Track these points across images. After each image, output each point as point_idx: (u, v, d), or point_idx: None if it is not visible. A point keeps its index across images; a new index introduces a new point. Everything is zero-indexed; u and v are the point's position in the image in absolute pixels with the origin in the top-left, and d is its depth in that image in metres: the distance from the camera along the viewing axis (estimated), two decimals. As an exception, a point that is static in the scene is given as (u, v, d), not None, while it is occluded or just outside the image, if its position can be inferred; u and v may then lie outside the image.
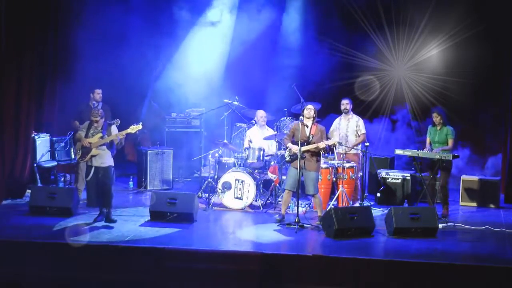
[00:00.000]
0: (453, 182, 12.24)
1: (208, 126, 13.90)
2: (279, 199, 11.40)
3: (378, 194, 12.00)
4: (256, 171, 11.66)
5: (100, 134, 10.12)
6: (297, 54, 14.24)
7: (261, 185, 11.74)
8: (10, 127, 11.44)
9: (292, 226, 10.05)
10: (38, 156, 12.00)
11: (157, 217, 10.33)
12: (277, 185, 11.56)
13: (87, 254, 8.85)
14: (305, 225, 10.13)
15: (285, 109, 13.09)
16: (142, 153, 12.81)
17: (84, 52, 12.57)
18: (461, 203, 12.08)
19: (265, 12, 14.07)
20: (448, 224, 10.55)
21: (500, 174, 12.84)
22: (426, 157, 11.01)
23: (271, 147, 11.97)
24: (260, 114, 12.17)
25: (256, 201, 11.42)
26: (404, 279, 8.51)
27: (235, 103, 12.72)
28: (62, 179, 12.55)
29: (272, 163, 11.64)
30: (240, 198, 11.27)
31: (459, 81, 13.77)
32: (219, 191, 11.35)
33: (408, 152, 11.07)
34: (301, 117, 10.42)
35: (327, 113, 13.21)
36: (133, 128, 10.07)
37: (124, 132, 10.10)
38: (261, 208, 11.34)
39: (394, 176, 12.07)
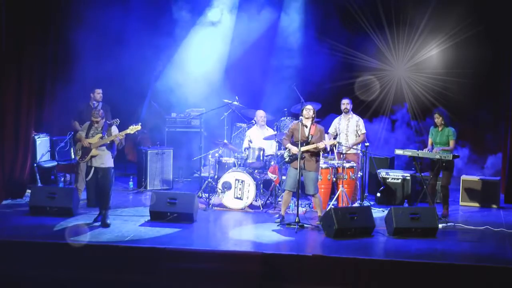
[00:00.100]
0: (453, 182, 12.18)
1: (208, 126, 13.90)
2: (279, 199, 11.40)
3: (378, 194, 12.00)
4: (256, 171, 11.66)
5: (100, 135, 10.12)
6: (297, 54, 14.25)
7: (261, 185, 11.74)
8: (10, 127, 11.44)
9: (292, 226, 10.05)
10: (38, 156, 12.01)
11: (157, 217, 10.33)
12: (277, 185, 11.56)
13: (87, 254, 8.84)
14: (305, 225, 10.13)
15: (285, 109, 13.10)
16: (142, 153, 12.81)
17: (84, 52, 12.56)
18: (461, 203, 12.08)
19: (265, 12, 14.09)
20: (448, 224, 10.55)
21: (500, 174, 12.85)
22: (426, 157, 11.02)
23: (271, 147, 11.97)
24: (260, 114, 12.17)
25: (256, 201, 11.42)
26: (404, 279, 8.51)
27: (235, 103, 12.73)
28: (62, 179, 12.56)
29: (272, 163, 11.64)
30: (240, 198, 11.28)
31: (459, 81, 13.78)
32: (219, 191, 11.35)
33: (408, 152, 11.07)
34: (300, 117, 10.42)
35: (327, 113, 13.21)
36: (132, 129, 10.06)
37: (123, 133, 10.08)
38: (261, 208, 11.34)
39: (394, 176, 12.07)
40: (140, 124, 10.16)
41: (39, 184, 11.77)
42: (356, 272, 8.55)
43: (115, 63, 13.06)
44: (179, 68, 13.99)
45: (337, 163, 11.39)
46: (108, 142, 10.06)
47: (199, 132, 13.67)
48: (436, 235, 9.81)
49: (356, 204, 11.35)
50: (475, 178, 12.16)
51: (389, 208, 10.06)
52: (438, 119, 11.07)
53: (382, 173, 12.14)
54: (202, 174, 12.60)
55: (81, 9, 12.87)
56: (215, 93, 13.77)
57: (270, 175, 11.49)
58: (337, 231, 9.55)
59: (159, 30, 13.87)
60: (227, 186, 11.30)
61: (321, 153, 10.46)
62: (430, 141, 11.21)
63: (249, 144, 11.75)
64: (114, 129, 10.18)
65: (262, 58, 14.23)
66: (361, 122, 11.87)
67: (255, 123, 12.29)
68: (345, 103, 11.87)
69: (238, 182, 11.28)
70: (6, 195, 11.38)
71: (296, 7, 14.32)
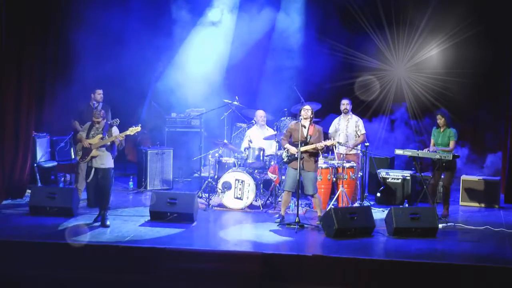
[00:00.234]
0: (453, 182, 12.23)
1: (208, 126, 13.90)
2: (279, 199, 11.39)
3: (378, 194, 12.00)
4: (256, 171, 11.66)
5: (101, 135, 10.11)
6: (297, 54, 14.24)
7: (261, 185, 11.74)
8: (10, 127, 11.43)
9: (292, 226, 10.05)
10: (38, 156, 12.01)
11: (157, 217, 10.33)
12: (277, 185, 11.56)
13: (87, 254, 8.85)
14: (305, 225, 10.13)
15: (285, 109, 13.10)
16: (142, 153, 12.81)
17: (84, 52, 12.57)
18: (461, 203, 12.08)
19: (265, 13, 14.08)
20: (448, 224, 10.55)
21: (499, 173, 12.85)
22: (426, 157, 11.02)
23: (271, 147, 11.97)
24: (260, 114, 12.17)
25: (256, 201, 11.42)
26: (404, 279, 8.51)
27: (235, 103, 12.73)
28: (62, 179, 12.57)
29: (272, 163, 11.64)
30: (240, 198, 11.28)
31: (459, 81, 13.78)
32: (219, 191, 11.35)
33: (408, 152, 11.07)
34: (300, 117, 10.42)
35: (327, 113, 13.21)
36: (132, 130, 10.05)
37: (123, 134, 10.07)
38: (261, 208, 11.34)
39: (394, 176, 12.07)
40: (140, 125, 10.17)
41: (39, 184, 11.78)
42: (356, 272, 8.55)
43: (115, 64, 13.06)
44: (179, 68, 13.98)
45: (337, 163, 11.39)
46: (109, 143, 10.06)
47: (199, 132, 13.67)
48: (436, 235, 9.81)
49: (356, 204, 11.35)
50: (475, 178, 12.15)
51: (389, 208, 10.06)
52: (440, 120, 11.08)
53: (382, 173, 12.14)
54: (202, 174, 12.60)
55: (81, 9, 12.88)
56: (215, 93, 13.77)
57: (270, 175, 11.49)
58: (337, 231, 9.55)
59: (159, 31, 13.87)
60: (227, 186, 11.30)
61: (320, 154, 10.45)
62: (432, 142, 11.21)
63: (249, 144, 11.75)
64: (115, 130, 10.18)
65: (262, 58, 14.24)
66: (360, 122, 11.87)
67: (255, 123, 12.30)
68: (345, 104, 11.87)
69: (238, 182, 11.28)
70: (6, 195, 11.38)
71: (296, 7, 14.31)
